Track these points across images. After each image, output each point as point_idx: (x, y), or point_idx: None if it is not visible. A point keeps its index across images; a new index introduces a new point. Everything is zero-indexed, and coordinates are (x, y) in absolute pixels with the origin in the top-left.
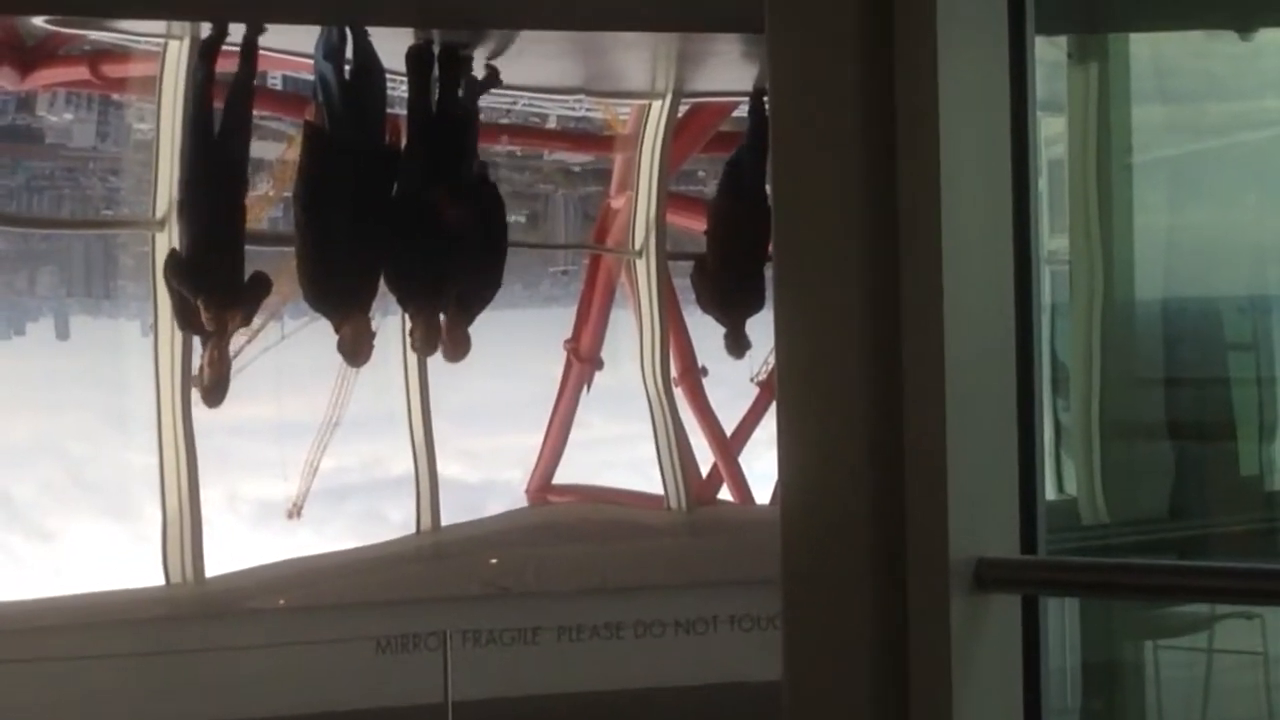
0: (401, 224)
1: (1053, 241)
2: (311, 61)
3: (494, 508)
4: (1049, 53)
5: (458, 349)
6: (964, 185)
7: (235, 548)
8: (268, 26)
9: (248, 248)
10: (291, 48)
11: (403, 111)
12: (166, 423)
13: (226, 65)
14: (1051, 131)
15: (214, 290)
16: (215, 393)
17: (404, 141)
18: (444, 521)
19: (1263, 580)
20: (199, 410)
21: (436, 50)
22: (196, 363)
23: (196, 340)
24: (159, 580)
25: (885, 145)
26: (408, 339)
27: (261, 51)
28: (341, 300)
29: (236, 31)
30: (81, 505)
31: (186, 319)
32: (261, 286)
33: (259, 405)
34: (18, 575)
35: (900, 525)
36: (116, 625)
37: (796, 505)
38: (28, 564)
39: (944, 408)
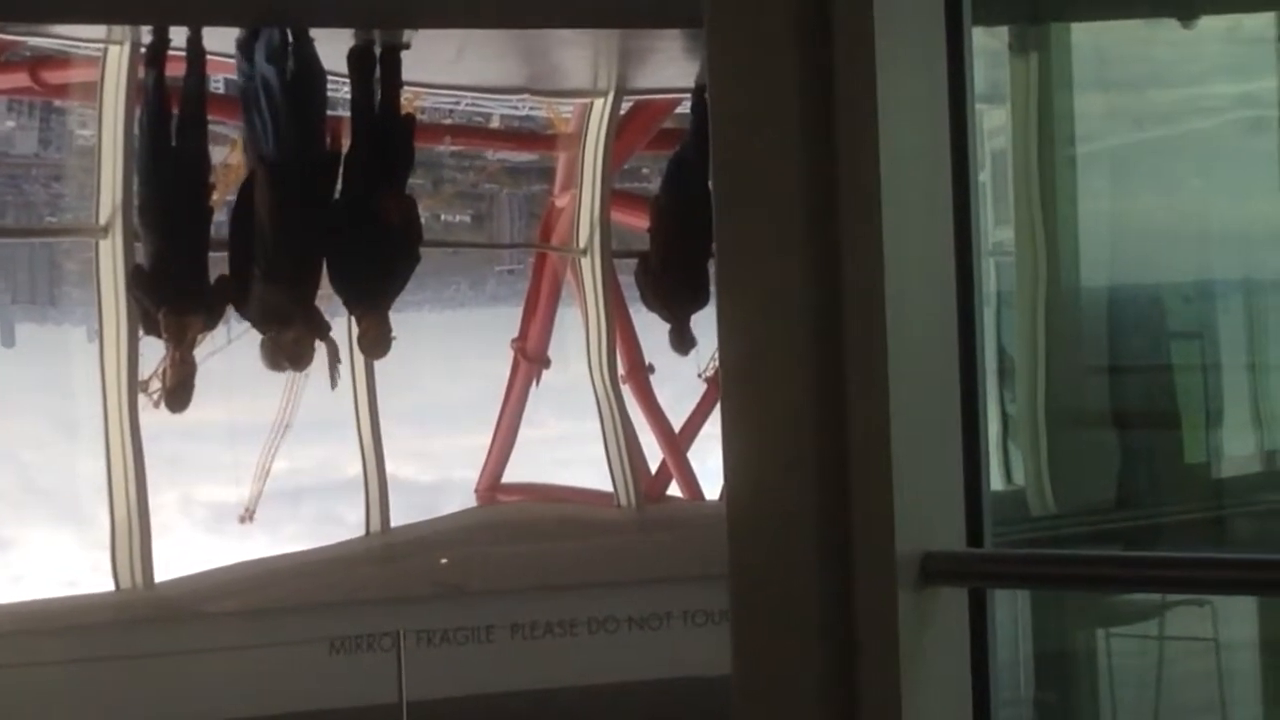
0: (347, 227)
1: (998, 233)
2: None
3: (449, 507)
4: (989, 44)
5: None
6: (904, 178)
7: (189, 552)
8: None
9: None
10: (232, 50)
11: (344, 113)
12: (114, 428)
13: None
14: (994, 123)
15: (177, 299)
16: (179, 397)
17: (346, 144)
18: (398, 522)
19: (1210, 569)
20: (150, 415)
21: (378, 51)
22: (145, 369)
23: (144, 345)
24: (109, 586)
25: (825, 139)
26: (355, 342)
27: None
28: (286, 309)
29: (181, 35)
30: (34, 512)
31: (149, 325)
32: (225, 292)
33: (209, 409)
34: None
35: (846, 519)
36: (67, 631)
37: (742, 500)
38: None
39: (888, 401)
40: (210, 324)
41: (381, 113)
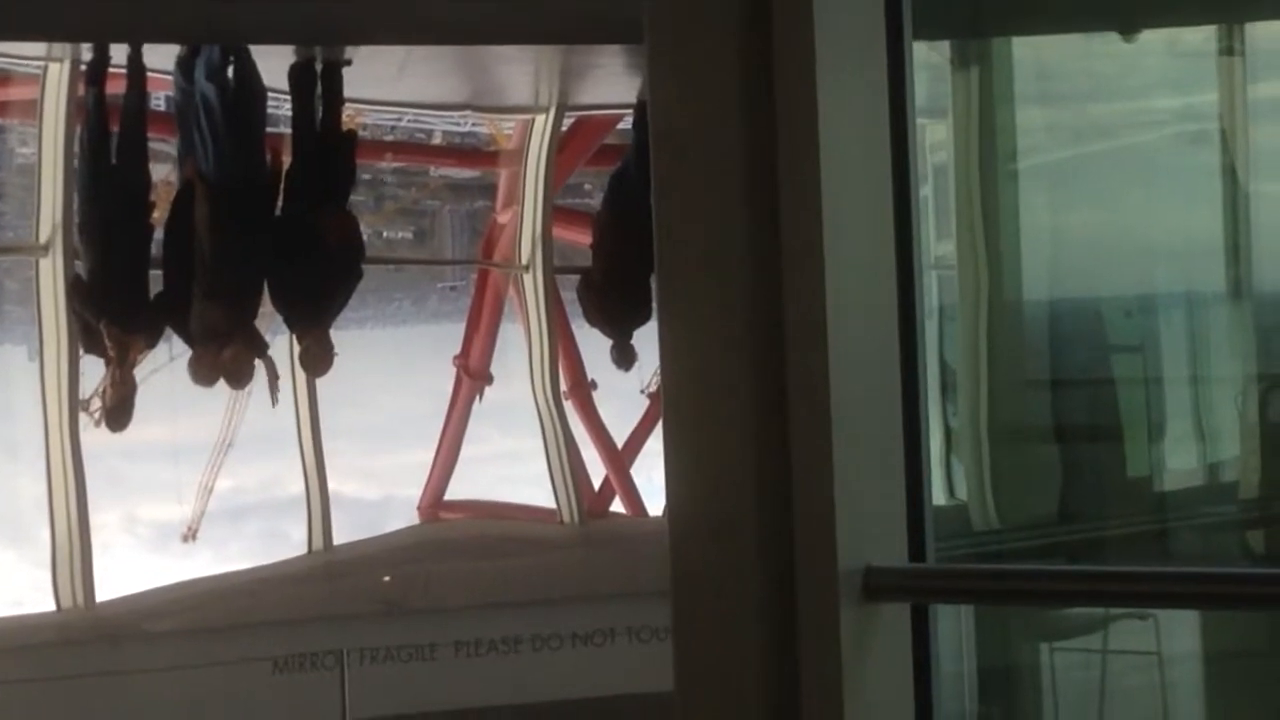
0: (288, 245)
1: (940, 247)
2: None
3: (392, 525)
4: (931, 58)
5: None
6: (845, 192)
7: (132, 571)
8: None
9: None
10: (169, 67)
11: (283, 129)
12: (54, 447)
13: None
14: (936, 137)
15: (118, 315)
16: (119, 415)
17: (286, 162)
18: (341, 540)
19: (1152, 583)
20: (92, 434)
21: (319, 67)
22: (86, 387)
23: (84, 364)
24: (51, 606)
25: (766, 154)
26: (296, 359)
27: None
28: (229, 328)
29: (121, 53)
30: None
31: (90, 343)
32: (165, 310)
33: (151, 427)
34: None
35: (788, 535)
36: (7, 652)
37: (684, 515)
38: None
39: (829, 415)
40: (151, 342)
41: (323, 129)
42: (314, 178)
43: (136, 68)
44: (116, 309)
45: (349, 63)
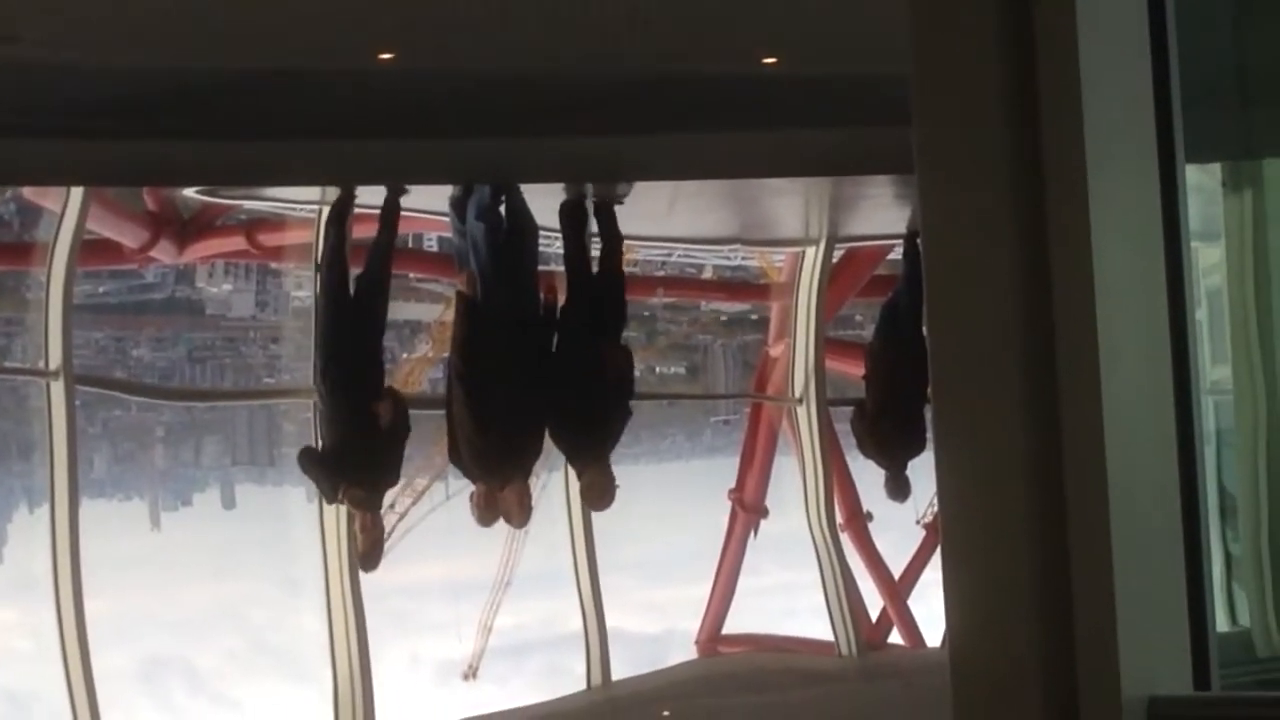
0: (573, 377)
1: (1215, 371)
2: (447, 220)
3: (674, 658)
4: (1203, 180)
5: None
6: (1121, 317)
7: (416, 710)
8: (409, 189)
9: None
10: (442, 209)
11: (556, 267)
12: (334, 588)
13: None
14: (1209, 260)
15: (354, 475)
16: (370, 559)
17: (561, 298)
18: (621, 675)
19: None
20: (374, 573)
21: (591, 205)
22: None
23: None
24: None
25: (1041, 281)
26: (579, 495)
27: (414, 213)
28: (507, 465)
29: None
30: (264, 671)
31: (332, 496)
32: (395, 469)
33: (430, 566)
34: None
35: (1071, 665)
36: None
37: (966, 648)
38: None
39: (1110, 544)
40: (392, 483)
41: (603, 267)
42: (590, 314)
43: (389, 208)
44: (352, 468)
45: (621, 200)
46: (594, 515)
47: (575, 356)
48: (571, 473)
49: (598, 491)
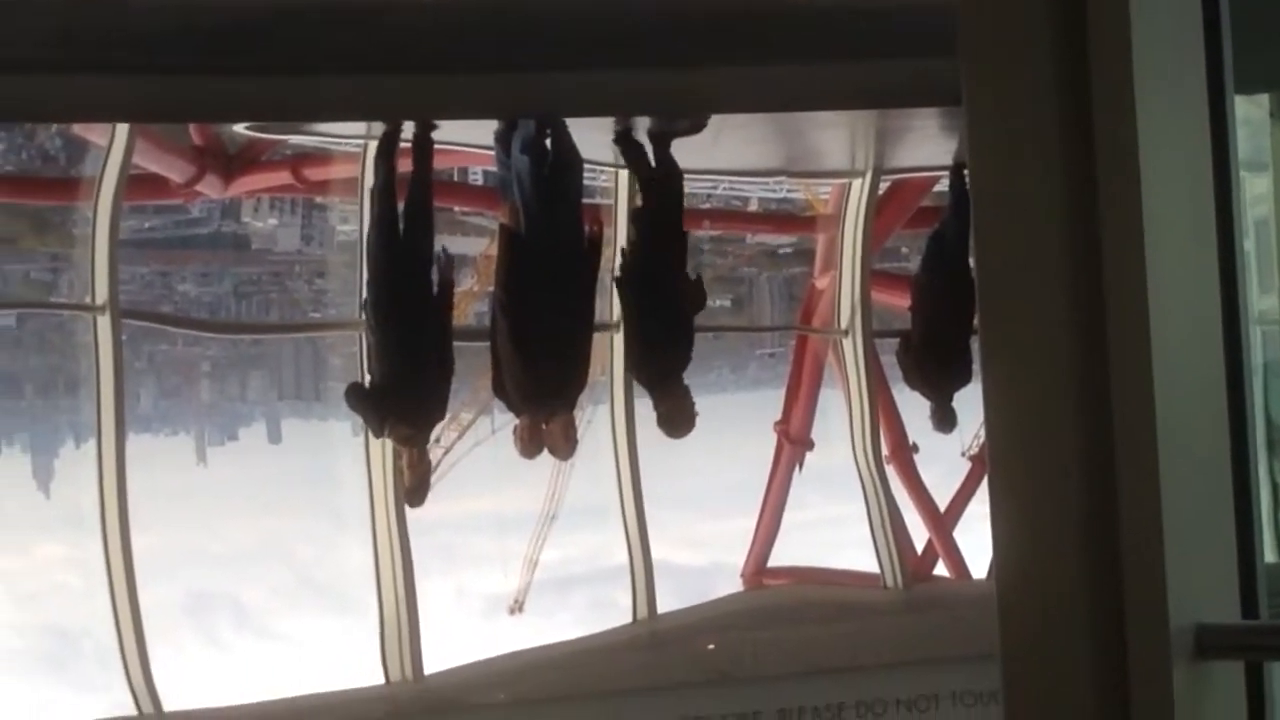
0: (661, 309)
1: (1263, 301)
2: (492, 154)
3: (719, 591)
4: (1250, 112)
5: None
6: (1169, 249)
7: (462, 643)
8: (439, 124)
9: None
10: (487, 142)
11: (603, 201)
12: (380, 522)
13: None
14: (1256, 191)
15: (400, 413)
16: (417, 494)
17: (605, 230)
18: (666, 608)
19: None
20: (415, 508)
21: (646, 137)
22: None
23: None
24: (379, 679)
25: (1087, 211)
26: (658, 423)
27: (459, 147)
28: (551, 397)
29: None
30: (309, 606)
31: (379, 431)
32: (442, 404)
33: (476, 500)
34: (252, 677)
35: (1118, 594)
36: None
37: (1012, 579)
38: (260, 666)
39: (1157, 473)
40: (439, 417)
41: (659, 199)
42: (661, 244)
43: (422, 142)
44: (398, 405)
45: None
46: (639, 448)
47: (662, 285)
48: (617, 405)
49: (682, 415)
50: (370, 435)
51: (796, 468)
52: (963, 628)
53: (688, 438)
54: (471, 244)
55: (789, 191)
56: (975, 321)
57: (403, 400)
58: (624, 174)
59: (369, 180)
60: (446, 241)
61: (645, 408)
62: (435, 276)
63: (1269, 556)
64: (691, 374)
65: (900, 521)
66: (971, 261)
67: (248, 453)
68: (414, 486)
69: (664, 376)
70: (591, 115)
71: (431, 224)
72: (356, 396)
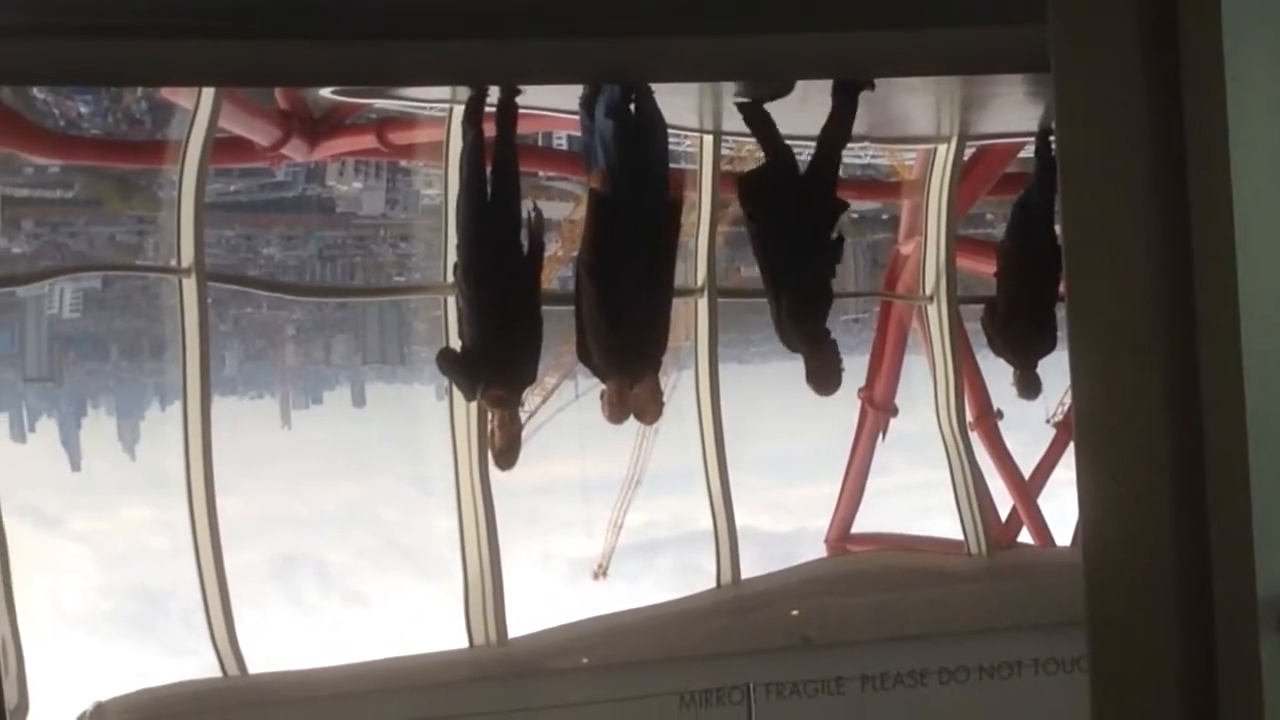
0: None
1: None
2: (577, 119)
3: (804, 557)
4: None
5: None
6: (1256, 208)
7: (546, 607)
8: (524, 89)
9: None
10: (571, 107)
11: (688, 166)
12: (465, 486)
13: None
14: None
15: (491, 377)
16: (508, 457)
17: (690, 195)
18: (751, 573)
19: None
20: (505, 470)
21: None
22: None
23: None
24: (463, 643)
25: (1175, 176)
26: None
27: (544, 111)
28: (636, 362)
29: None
30: (395, 568)
31: (470, 394)
32: (533, 367)
33: (561, 464)
34: (336, 641)
35: (1205, 565)
36: (422, 690)
37: (1099, 548)
38: (345, 629)
39: (1246, 441)
40: (530, 381)
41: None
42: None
43: (506, 106)
44: (489, 371)
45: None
46: (724, 414)
47: (822, 244)
48: (703, 369)
49: (828, 372)
50: (454, 399)
51: (880, 434)
52: (1046, 595)
53: (770, 404)
54: (555, 208)
55: (874, 157)
56: (1061, 289)
57: (496, 363)
58: (708, 139)
59: (454, 145)
60: (529, 207)
61: (730, 372)
62: (525, 238)
63: None
64: (775, 340)
65: (984, 488)
66: (1057, 229)
67: (332, 416)
68: (504, 448)
69: (818, 331)
70: (675, 80)
71: (519, 187)
72: (448, 360)
